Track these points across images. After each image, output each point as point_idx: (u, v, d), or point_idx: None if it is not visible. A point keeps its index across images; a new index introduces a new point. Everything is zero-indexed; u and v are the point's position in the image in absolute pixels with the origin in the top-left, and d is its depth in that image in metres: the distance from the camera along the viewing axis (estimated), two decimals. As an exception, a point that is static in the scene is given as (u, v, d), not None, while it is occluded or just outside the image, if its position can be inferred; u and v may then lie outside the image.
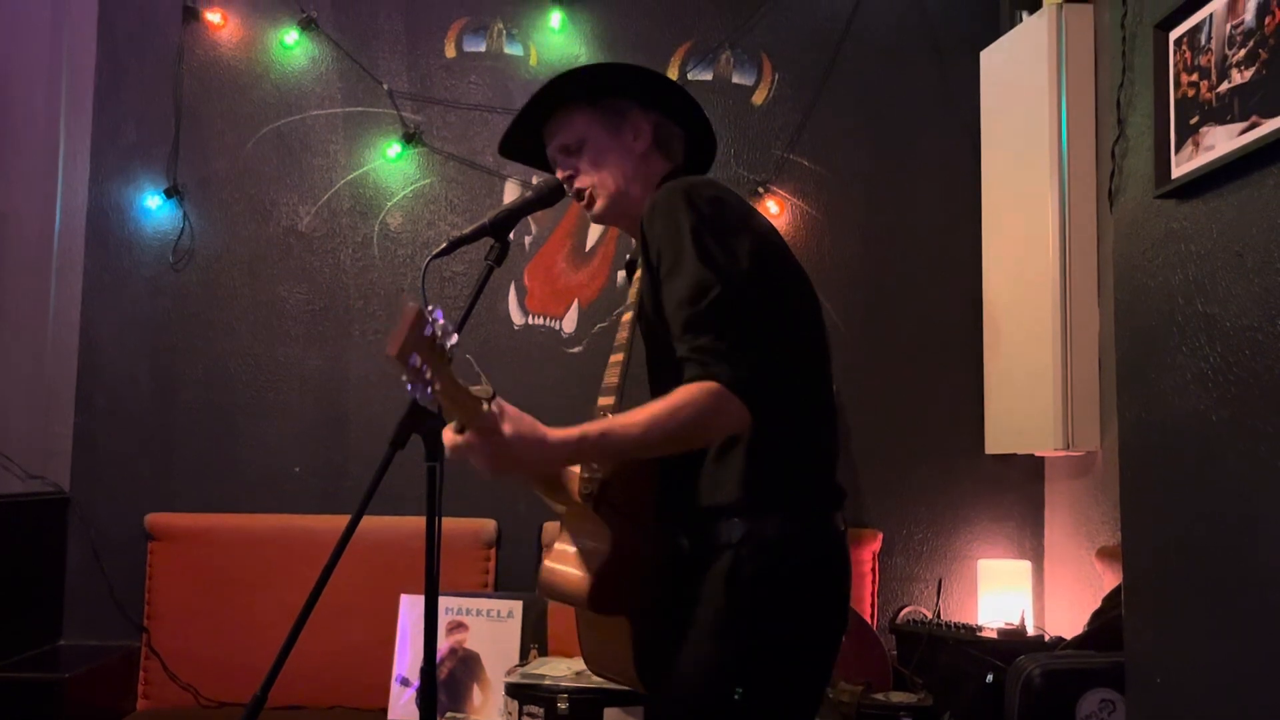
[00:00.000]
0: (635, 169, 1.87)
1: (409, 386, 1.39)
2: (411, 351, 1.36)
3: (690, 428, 1.59)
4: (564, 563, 1.70)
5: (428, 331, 1.38)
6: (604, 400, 1.76)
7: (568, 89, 1.86)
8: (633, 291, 1.80)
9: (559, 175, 1.90)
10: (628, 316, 1.79)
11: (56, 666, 3.32)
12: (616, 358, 1.78)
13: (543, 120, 1.91)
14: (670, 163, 1.91)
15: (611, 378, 1.76)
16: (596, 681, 2.67)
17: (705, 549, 1.69)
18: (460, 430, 1.53)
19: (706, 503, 1.70)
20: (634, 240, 1.92)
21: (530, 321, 3.74)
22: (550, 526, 3.49)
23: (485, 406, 1.50)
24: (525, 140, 1.96)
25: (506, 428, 1.52)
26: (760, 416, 1.61)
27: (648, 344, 1.79)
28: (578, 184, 1.89)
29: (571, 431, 1.57)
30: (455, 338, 1.42)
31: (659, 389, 1.70)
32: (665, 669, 1.70)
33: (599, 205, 1.88)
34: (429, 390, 1.40)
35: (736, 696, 1.61)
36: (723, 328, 1.61)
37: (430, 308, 1.40)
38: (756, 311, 1.65)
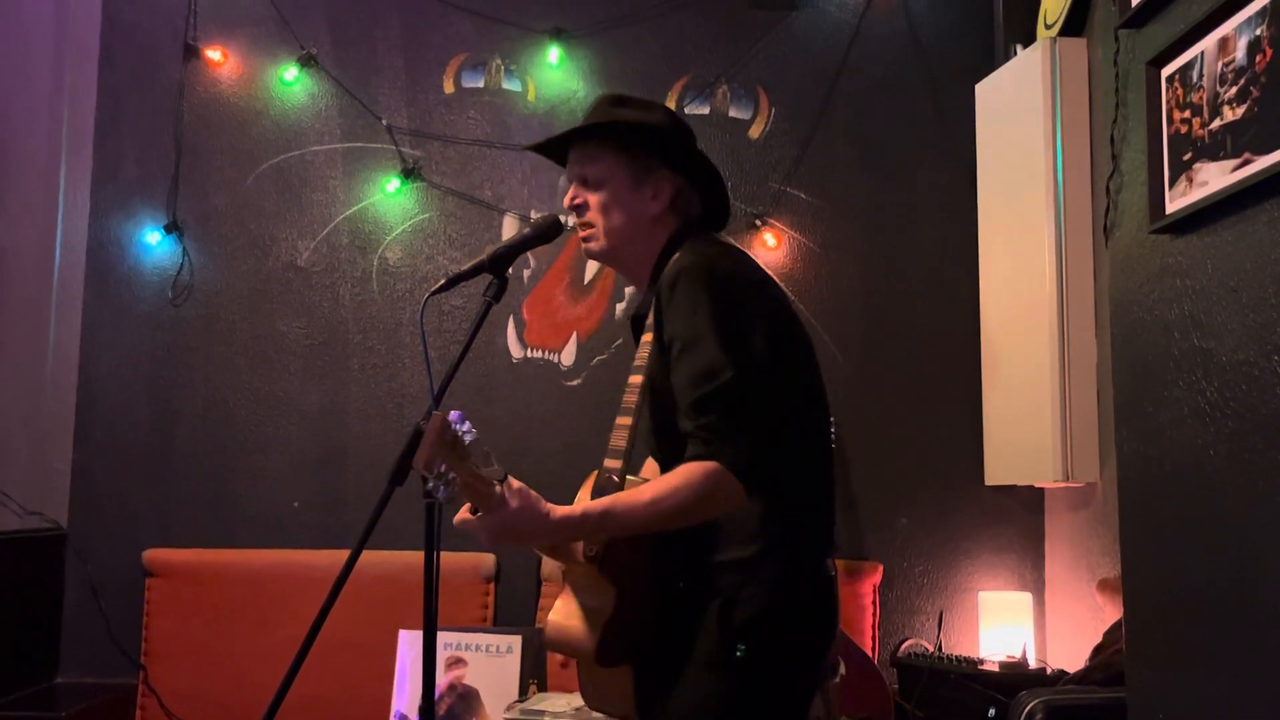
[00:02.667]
0: (644, 226, 1.88)
1: (430, 486, 1.47)
2: (437, 459, 1.44)
3: (689, 508, 1.64)
4: (569, 619, 1.75)
5: (449, 436, 1.46)
6: (611, 463, 1.78)
7: (608, 128, 1.88)
8: (641, 354, 1.81)
9: (567, 198, 1.91)
10: (636, 379, 1.81)
11: (53, 705, 3.30)
12: (624, 420, 1.80)
13: (574, 137, 1.92)
14: (682, 220, 1.92)
15: (619, 440, 1.79)
16: (596, 718, 2.66)
17: (703, 593, 1.73)
18: (474, 512, 1.60)
19: (708, 554, 1.74)
20: (628, 278, 1.95)
21: (529, 354, 3.75)
22: (551, 561, 3.47)
23: (497, 489, 1.55)
24: (554, 142, 1.96)
25: (512, 502, 1.58)
26: (766, 484, 1.67)
27: (653, 410, 1.81)
28: (584, 217, 1.90)
29: (574, 511, 1.63)
30: (474, 434, 1.50)
31: (663, 456, 1.78)
32: (664, 703, 1.74)
33: (594, 246, 1.90)
34: (450, 489, 1.48)
35: (739, 653, 1.67)
36: (730, 409, 1.65)
37: (452, 415, 1.48)
38: (766, 392, 1.69)
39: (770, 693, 1.70)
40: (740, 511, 1.69)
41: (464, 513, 1.64)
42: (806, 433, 1.80)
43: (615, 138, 1.88)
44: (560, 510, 1.62)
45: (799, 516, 1.76)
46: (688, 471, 1.64)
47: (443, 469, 1.46)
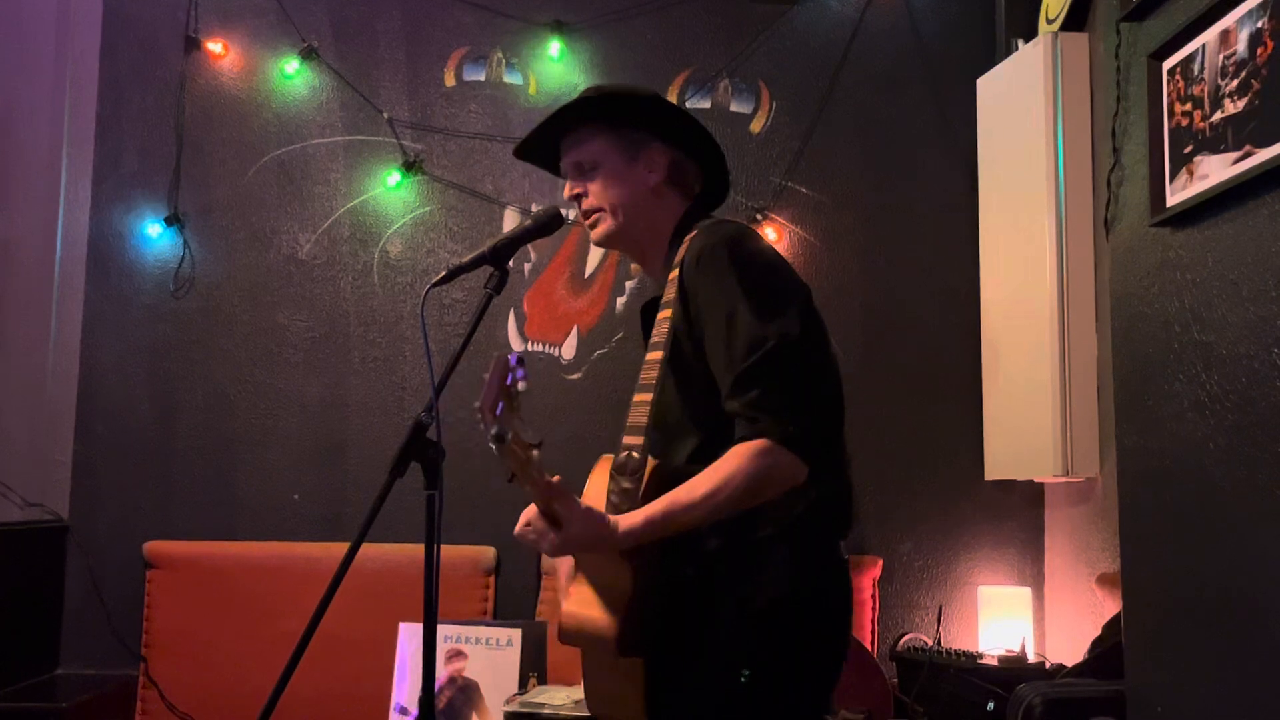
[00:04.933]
0: (645, 202, 1.88)
1: (496, 432, 1.43)
2: (499, 400, 1.42)
3: (747, 491, 1.61)
4: (585, 605, 1.67)
5: (509, 380, 1.43)
6: (630, 439, 1.74)
7: (593, 108, 1.87)
8: (660, 330, 1.78)
9: (567, 190, 1.91)
10: (655, 355, 1.77)
11: (54, 696, 3.31)
12: (643, 396, 1.76)
13: (563, 131, 1.92)
14: (688, 199, 1.92)
15: (639, 417, 1.74)
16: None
17: (715, 579, 1.69)
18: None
19: (718, 536, 1.70)
20: (632, 262, 1.93)
21: (529, 348, 3.75)
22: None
23: (535, 454, 1.53)
24: (542, 145, 1.97)
25: (577, 528, 1.58)
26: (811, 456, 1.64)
27: (677, 387, 1.78)
28: (584, 205, 1.90)
29: (636, 522, 1.61)
30: (524, 384, 1.46)
31: (675, 432, 1.76)
32: (676, 702, 1.70)
33: (600, 230, 1.90)
34: (506, 439, 1.43)
35: (743, 679, 1.64)
36: (772, 382, 1.63)
37: (512, 356, 1.46)
38: (804, 366, 1.68)
39: (789, 692, 1.67)
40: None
41: (523, 526, 1.65)
42: (831, 410, 1.78)
43: (602, 118, 1.87)
44: (624, 523, 1.60)
45: (816, 495, 1.71)
46: (736, 455, 1.61)
47: (502, 415, 1.42)
